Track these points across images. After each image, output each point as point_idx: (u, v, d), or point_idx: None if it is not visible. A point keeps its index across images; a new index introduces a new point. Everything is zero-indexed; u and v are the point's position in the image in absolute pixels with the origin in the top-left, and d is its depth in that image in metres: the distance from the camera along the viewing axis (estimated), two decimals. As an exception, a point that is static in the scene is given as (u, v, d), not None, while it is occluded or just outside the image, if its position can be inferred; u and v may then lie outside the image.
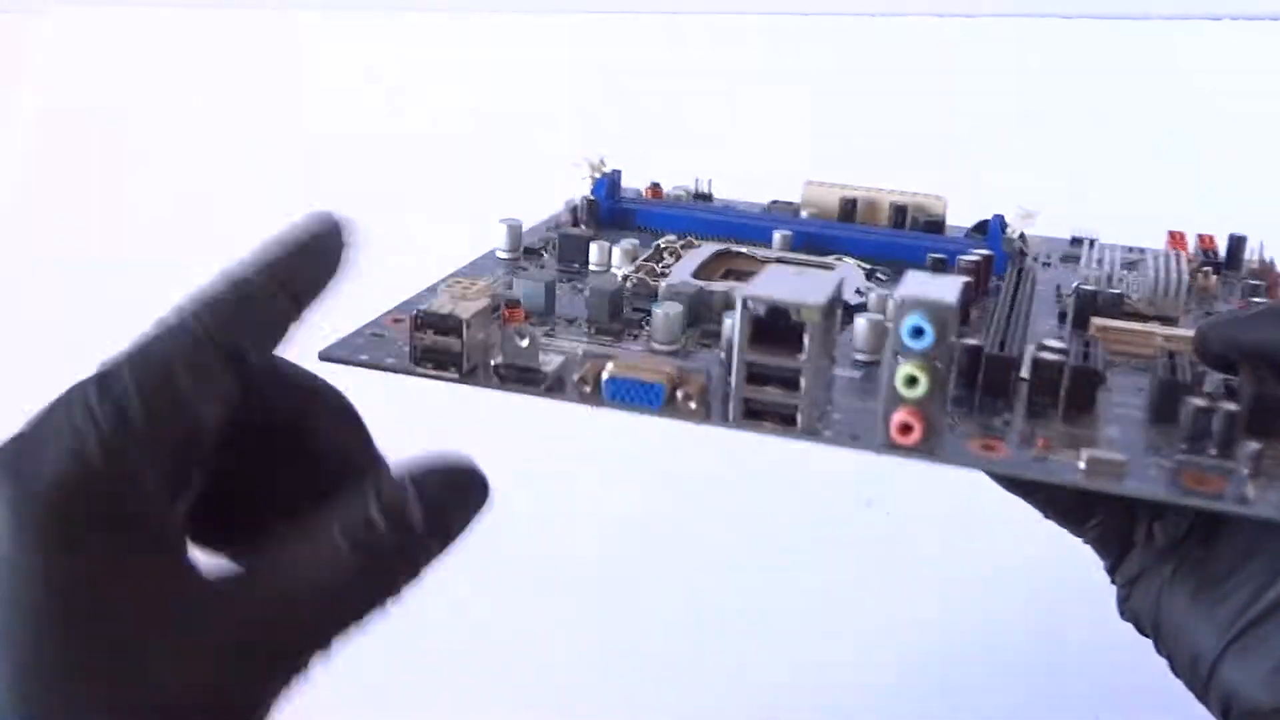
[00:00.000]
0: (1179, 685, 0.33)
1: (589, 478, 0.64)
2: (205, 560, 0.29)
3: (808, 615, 0.63)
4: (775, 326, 0.30)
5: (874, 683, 0.60)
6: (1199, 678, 0.32)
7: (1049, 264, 0.45)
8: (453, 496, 0.29)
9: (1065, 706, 0.57)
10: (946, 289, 0.29)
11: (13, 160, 0.93)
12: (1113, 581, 0.35)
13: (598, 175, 0.46)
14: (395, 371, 0.33)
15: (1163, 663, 0.34)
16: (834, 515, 0.65)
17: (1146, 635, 0.34)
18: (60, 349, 0.77)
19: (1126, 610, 0.35)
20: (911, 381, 0.29)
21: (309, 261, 0.31)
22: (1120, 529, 0.34)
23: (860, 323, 0.35)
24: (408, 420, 0.36)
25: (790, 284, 0.31)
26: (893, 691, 0.59)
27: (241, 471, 0.32)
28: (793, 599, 0.64)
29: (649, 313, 0.36)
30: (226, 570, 0.28)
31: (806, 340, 0.30)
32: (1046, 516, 0.35)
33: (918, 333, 0.29)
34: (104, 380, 0.28)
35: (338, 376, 0.34)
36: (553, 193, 0.48)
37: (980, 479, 0.33)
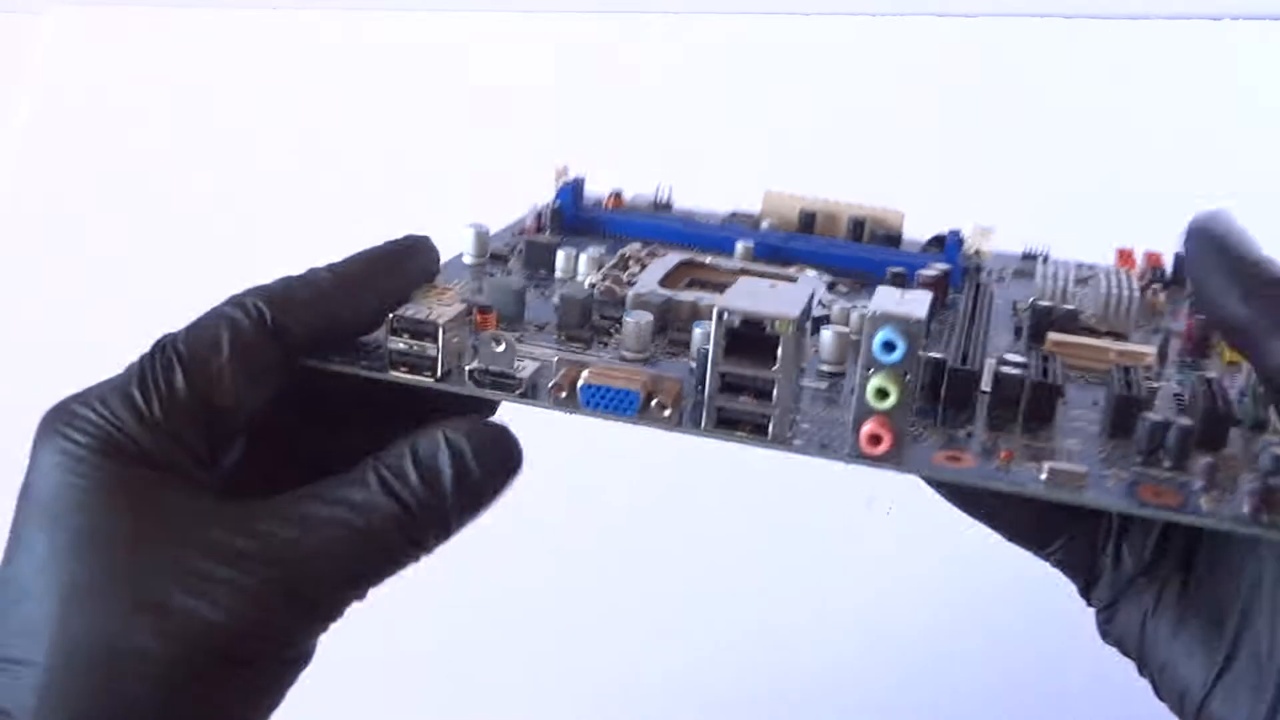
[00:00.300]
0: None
1: (584, 476, 0.64)
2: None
3: (808, 615, 0.63)
4: (749, 337, 0.31)
5: (875, 682, 0.60)
6: (1187, 715, 0.32)
7: (1002, 280, 0.46)
8: (485, 459, 0.31)
9: (1066, 706, 0.57)
10: (916, 304, 0.30)
11: (11, 160, 0.92)
12: (1089, 604, 0.35)
13: (563, 182, 0.47)
14: (371, 374, 0.33)
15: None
16: (834, 515, 0.65)
17: (1130, 658, 0.34)
18: (59, 348, 0.77)
19: (1109, 636, 0.35)
20: (882, 394, 0.30)
21: (380, 273, 0.34)
22: (1084, 553, 0.35)
23: (826, 335, 0.36)
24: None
25: (764, 296, 0.32)
26: (893, 690, 0.60)
27: (309, 432, 0.35)
28: (792, 598, 0.64)
29: (617, 320, 0.37)
30: (271, 511, 0.30)
31: (780, 351, 0.31)
32: (1010, 540, 0.35)
33: (889, 347, 0.30)
34: (160, 348, 0.31)
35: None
36: (516, 195, 0.48)
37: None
